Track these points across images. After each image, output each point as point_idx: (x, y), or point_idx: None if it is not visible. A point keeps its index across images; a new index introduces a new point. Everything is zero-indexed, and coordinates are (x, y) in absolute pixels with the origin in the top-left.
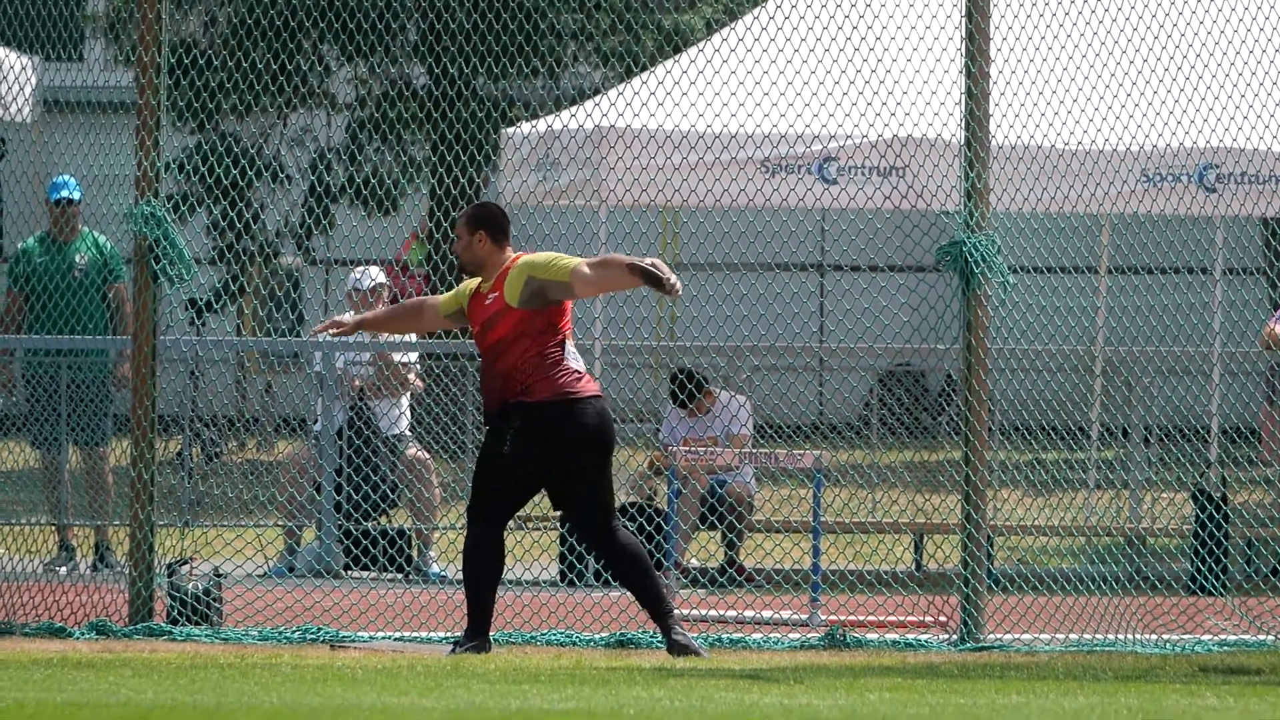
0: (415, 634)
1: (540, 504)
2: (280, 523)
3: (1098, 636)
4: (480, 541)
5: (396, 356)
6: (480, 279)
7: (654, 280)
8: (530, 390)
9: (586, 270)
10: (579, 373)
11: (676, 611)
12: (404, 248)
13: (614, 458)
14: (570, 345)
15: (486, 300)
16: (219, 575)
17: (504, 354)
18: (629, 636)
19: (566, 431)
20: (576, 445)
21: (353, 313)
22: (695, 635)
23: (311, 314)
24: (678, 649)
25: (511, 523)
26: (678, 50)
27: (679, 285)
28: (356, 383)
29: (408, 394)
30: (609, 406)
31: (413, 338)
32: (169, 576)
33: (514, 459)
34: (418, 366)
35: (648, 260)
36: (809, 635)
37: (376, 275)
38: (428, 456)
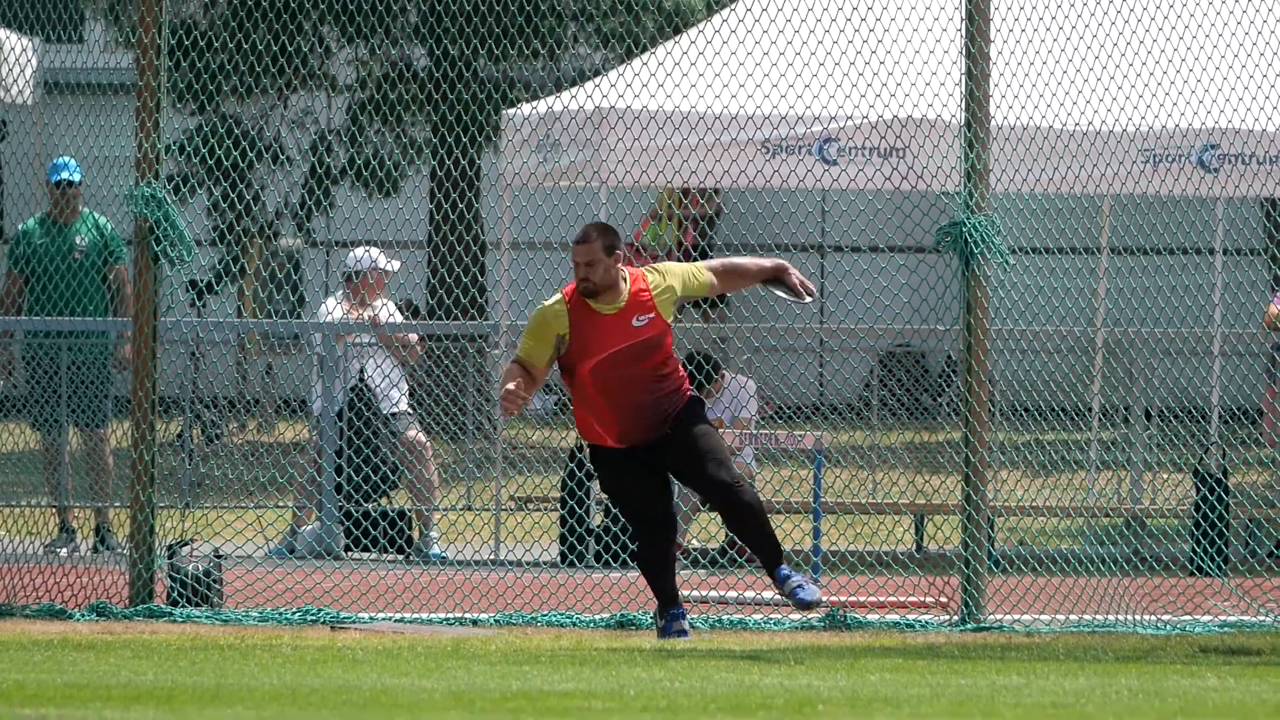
0: (416, 615)
1: (539, 486)
2: (285, 504)
3: (1098, 617)
4: (654, 534)
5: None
6: (593, 302)
7: (779, 281)
8: (684, 392)
9: (715, 280)
10: None
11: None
12: (643, 224)
13: None
14: None
15: (634, 323)
16: (219, 556)
17: (670, 375)
18: (629, 617)
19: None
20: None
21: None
22: (695, 616)
23: (312, 295)
24: (800, 604)
25: (511, 504)
26: (678, 31)
27: (811, 291)
28: (356, 364)
29: (405, 375)
30: None
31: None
32: (169, 558)
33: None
34: (418, 349)
35: (778, 264)
36: (809, 616)
37: (374, 258)
38: (426, 439)
